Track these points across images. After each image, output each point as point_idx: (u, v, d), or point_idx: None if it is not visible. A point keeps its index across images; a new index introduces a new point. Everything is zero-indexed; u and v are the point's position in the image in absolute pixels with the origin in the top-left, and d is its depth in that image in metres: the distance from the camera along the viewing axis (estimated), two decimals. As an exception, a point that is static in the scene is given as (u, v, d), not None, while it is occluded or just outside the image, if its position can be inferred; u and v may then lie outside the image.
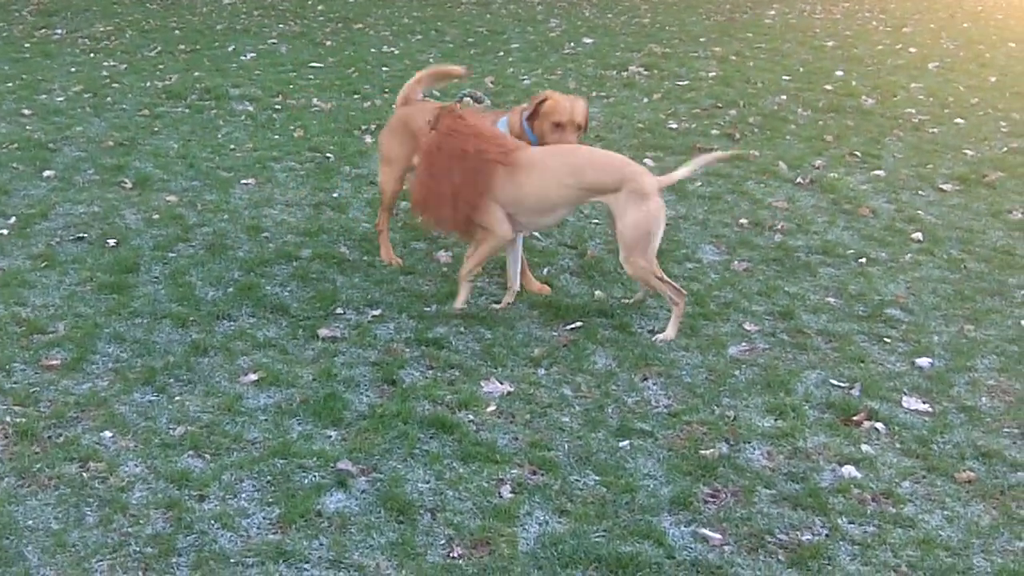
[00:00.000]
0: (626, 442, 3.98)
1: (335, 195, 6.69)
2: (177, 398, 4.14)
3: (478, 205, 4.83)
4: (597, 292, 5.33)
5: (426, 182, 4.96)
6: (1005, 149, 8.22)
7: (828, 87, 10.32)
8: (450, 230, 5.22)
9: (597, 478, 3.74)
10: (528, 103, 5.25)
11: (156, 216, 6.14)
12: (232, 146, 7.65)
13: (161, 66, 10.28)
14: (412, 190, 5.17)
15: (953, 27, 14.54)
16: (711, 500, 3.66)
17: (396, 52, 11.40)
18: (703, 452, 3.92)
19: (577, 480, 3.73)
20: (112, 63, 10.37)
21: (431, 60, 10.95)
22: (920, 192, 7.18)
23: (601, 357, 4.67)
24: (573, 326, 4.94)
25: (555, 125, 5.08)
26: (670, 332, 4.87)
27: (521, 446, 3.92)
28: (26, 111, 8.40)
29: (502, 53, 11.59)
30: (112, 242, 5.71)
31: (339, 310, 5.00)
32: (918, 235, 6.34)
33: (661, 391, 4.40)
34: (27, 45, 11.24)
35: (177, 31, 12.19)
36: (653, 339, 4.82)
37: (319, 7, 14.26)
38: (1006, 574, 3.32)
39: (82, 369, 4.33)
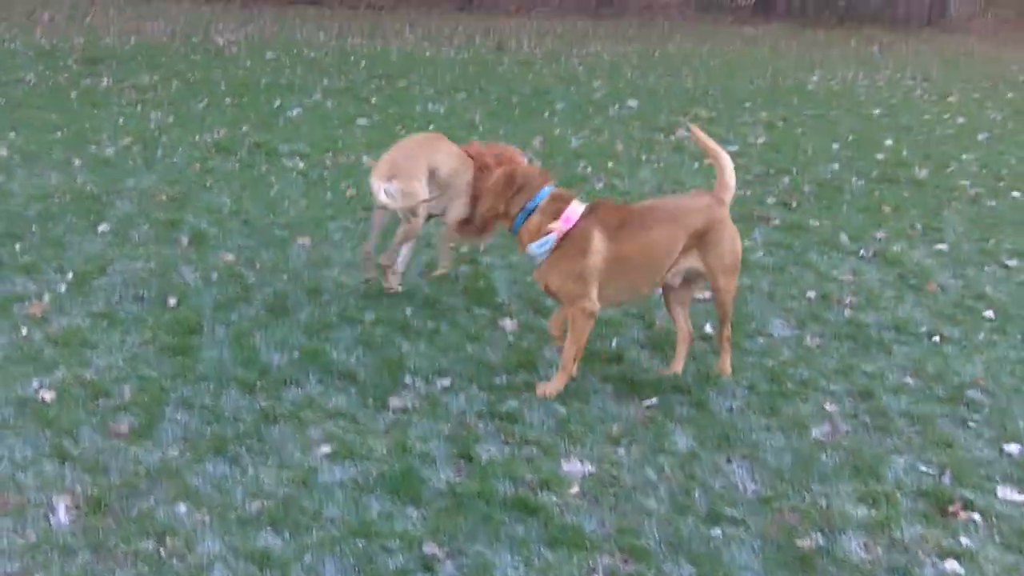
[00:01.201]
0: (717, 530, 3.82)
1: (393, 257, 6.57)
2: (251, 470, 4.01)
3: None
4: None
5: None
6: (1068, 225, 8.09)
7: (879, 156, 10.22)
8: None
9: (692, 569, 3.58)
10: None
11: (215, 275, 6.04)
12: (285, 203, 7.58)
13: (208, 119, 10.26)
14: None
15: (997, 97, 14.46)
16: (812, 596, 3.49)
17: (442, 111, 11.37)
18: (798, 542, 3.76)
19: (672, 570, 3.57)
20: (159, 114, 10.36)
21: (477, 119, 10.92)
22: (986, 268, 7.03)
23: (681, 436, 4.52)
24: (649, 402, 4.79)
25: None
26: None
27: (609, 531, 3.77)
28: (76, 161, 8.36)
29: (547, 114, 11.55)
30: (172, 301, 5.60)
31: (407, 379, 4.87)
32: (989, 313, 6.18)
33: (747, 474, 4.25)
34: (73, 94, 11.25)
35: (222, 84, 12.20)
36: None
37: (362, 63, 14.28)
38: None
39: (151, 436, 4.21)
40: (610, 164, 9.24)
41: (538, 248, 4.80)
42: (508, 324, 5.60)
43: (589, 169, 9.02)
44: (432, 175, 5.82)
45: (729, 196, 5.10)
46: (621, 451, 4.36)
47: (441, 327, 5.49)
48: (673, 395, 4.89)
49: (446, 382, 4.86)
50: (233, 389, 4.65)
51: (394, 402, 4.63)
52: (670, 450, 4.39)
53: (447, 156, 5.95)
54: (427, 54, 15.44)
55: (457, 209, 6.00)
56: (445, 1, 21.92)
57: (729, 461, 4.34)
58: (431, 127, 10.38)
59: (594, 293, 4.79)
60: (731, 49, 17.84)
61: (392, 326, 5.46)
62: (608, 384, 4.96)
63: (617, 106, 12.14)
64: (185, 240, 6.62)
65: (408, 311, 5.68)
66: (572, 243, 4.76)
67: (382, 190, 5.62)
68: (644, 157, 9.67)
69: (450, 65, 14.56)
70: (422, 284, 6.15)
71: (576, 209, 4.81)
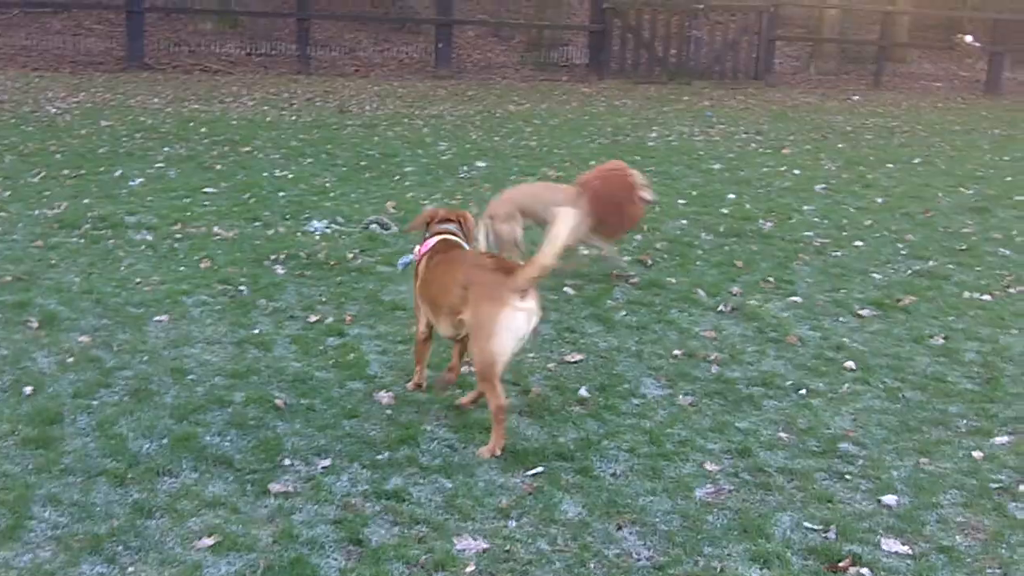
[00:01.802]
0: (617, 601, 3.80)
1: (256, 331, 6.41)
2: (130, 569, 3.80)
3: None
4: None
5: None
6: (909, 272, 8.42)
7: (724, 211, 10.49)
8: None
9: (598, 645, 3.54)
10: None
11: (71, 359, 5.77)
12: (138, 279, 7.31)
13: (47, 192, 9.86)
14: None
15: (828, 147, 15.06)
16: (719, 664, 3.49)
17: (290, 176, 11.20)
18: (698, 609, 3.76)
19: (578, 648, 3.52)
20: (-7, 189, 9.91)
21: (328, 184, 10.80)
22: (840, 318, 7.26)
23: (570, 505, 4.49)
24: (534, 472, 4.75)
25: None
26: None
27: (512, 611, 3.70)
28: (-93, 242, 7.92)
29: (398, 177, 11.50)
30: (28, 390, 5.32)
31: (286, 460, 4.73)
32: (850, 364, 6.37)
33: (639, 541, 4.24)
34: (-103, 169, 10.67)
35: (58, 155, 11.75)
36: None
37: (202, 129, 13.98)
38: None
39: (19, 537, 3.96)
40: (466, 227, 9.24)
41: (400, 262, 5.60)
42: (384, 397, 5.50)
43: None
44: (530, 217, 7.49)
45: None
46: (512, 524, 4.31)
47: (315, 404, 5.35)
48: (557, 463, 4.86)
49: (326, 462, 4.73)
50: (103, 482, 4.42)
51: (275, 487, 4.47)
52: (560, 520, 4.36)
53: (542, 198, 7.51)
54: (268, 119, 15.21)
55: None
56: (282, 64, 21.70)
57: (620, 528, 4.33)
58: (281, 194, 10.22)
59: (422, 318, 5.40)
60: (570, 108, 18.14)
61: (264, 406, 5.30)
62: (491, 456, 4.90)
63: (466, 168, 12.17)
64: (35, 323, 6.32)
65: (279, 389, 5.53)
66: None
67: (481, 231, 7.06)
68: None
69: (293, 129, 14.38)
70: (288, 359, 5.98)
71: (430, 242, 5.46)
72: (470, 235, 5.72)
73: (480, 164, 12.46)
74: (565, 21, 25.04)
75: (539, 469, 4.78)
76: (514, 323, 4.83)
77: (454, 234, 5.54)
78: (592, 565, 4.03)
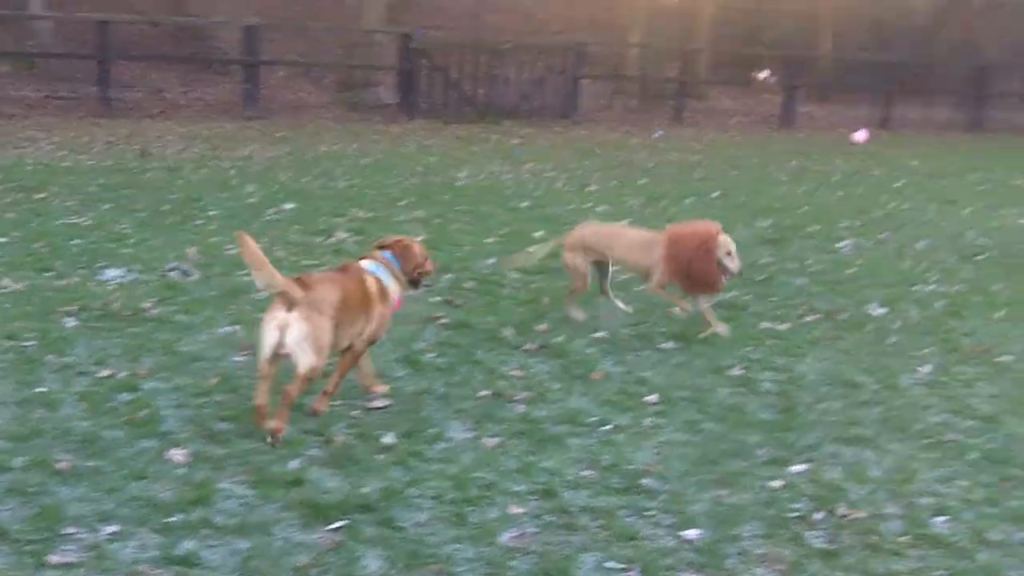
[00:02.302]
0: (418, 658, 3.69)
1: (42, 389, 6.07)
2: None
3: None
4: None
5: None
6: (710, 303, 8.60)
7: (531, 249, 10.54)
8: None
9: None
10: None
11: None
12: (-87, 339, 6.85)
13: None
14: None
15: (632, 183, 15.39)
16: None
17: (86, 223, 10.75)
18: (501, 660, 3.69)
19: None
20: None
21: (126, 230, 10.41)
22: (643, 352, 7.36)
23: (373, 559, 4.37)
24: (335, 526, 4.61)
25: None
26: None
27: (307, 677, 3.55)
28: None
29: (201, 221, 11.18)
30: None
31: (69, 529, 4.45)
32: (653, 398, 6.45)
33: (442, 593, 4.15)
34: None
35: None
36: None
37: (-8, 175, 13.33)
38: None
39: None
40: (271, 272, 9.01)
41: None
42: (177, 455, 5.26)
43: (251, 278, 8.73)
44: (596, 253, 8.01)
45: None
46: (312, 584, 4.16)
47: (102, 466, 5.08)
48: (360, 515, 4.73)
49: (113, 528, 4.48)
50: None
51: (54, 558, 4.21)
52: (362, 576, 4.24)
53: (606, 236, 8.12)
54: (66, 163, 14.62)
55: (656, 276, 7.79)
56: (83, 107, 20.94)
57: (423, 580, 4.24)
58: (76, 242, 9.79)
59: None
60: (380, 148, 18.07)
61: (46, 470, 4.99)
62: (290, 511, 4.73)
63: (273, 210, 11.93)
64: None
65: (64, 451, 5.23)
66: None
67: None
68: (304, 262, 9.51)
69: (92, 174, 13.84)
70: (75, 418, 5.68)
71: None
72: (406, 262, 6.13)
73: (288, 206, 12.23)
74: (375, 61, 24.97)
75: (341, 523, 4.64)
76: (262, 330, 5.41)
77: (383, 260, 6.07)
78: (393, 621, 3.92)
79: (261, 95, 22.38)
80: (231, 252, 9.68)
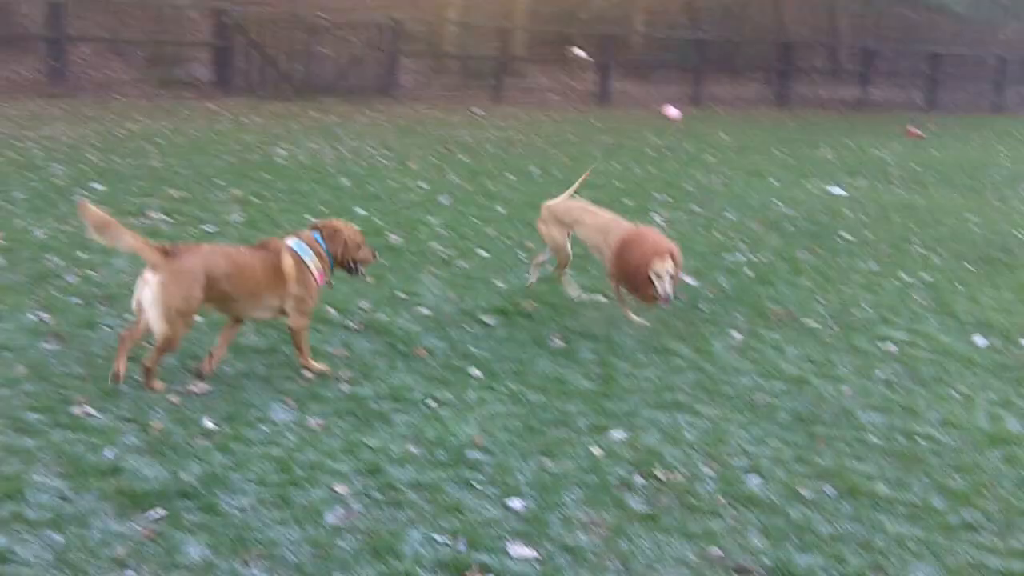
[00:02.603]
0: (245, 642, 3.65)
1: None
2: None
3: None
4: None
5: None
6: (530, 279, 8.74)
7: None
8: None
9: None
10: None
11: None
12: None
13: None
14: None
15: (452, 160, 15.43)
16: None
17: None
18: (329, 639, 3.68)
19: None
20: None
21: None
22: (466, 327, 7.42)
23: (194, 546, 4.29)
24: (155, 514, 4.51)
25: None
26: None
27: (129, 668, 3.48)
28: None
29: (3, 202, 10.69)
30: None
31: None
32: (476, 372, 6.52)
33: None
34: None
35: None
36: None
37: None
38: None
39: None
40: (82, 255, 8.69)
41: None
42: (-18, 448, 5.05)
43: (60, 262, 8.41)
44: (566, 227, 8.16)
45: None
46: (130, 574, 4.06)
47: (-98, 462, 4.83)
48: (180, 502, 4.64)
49: (-83, 527, 4.28)
50: None
51: None
52: (183, 564, 4.15)
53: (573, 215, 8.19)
54: None
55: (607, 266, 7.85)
56: None
57: (247, 564, 4.18)
58: None
59: None
60: (195, 126, 17.59)
61: None
62: (107, 501, 4.60)
63: (82, 191, 11.49)
64: None
65: None
66: None
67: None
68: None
69: None
70: None
71: None
72: (332, 243, 6.34)
73: (97, 186, 11.81)
74: (187, 37, 24.27)
75: (160, 511, 4.54)
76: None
77: (308, 238, 6.30)
78: (218, 606, 3.86)
79: (68, 72, 21.50)
80: (39, 235, 9.32)
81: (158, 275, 5.59)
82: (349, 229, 6.49)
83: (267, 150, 15.44)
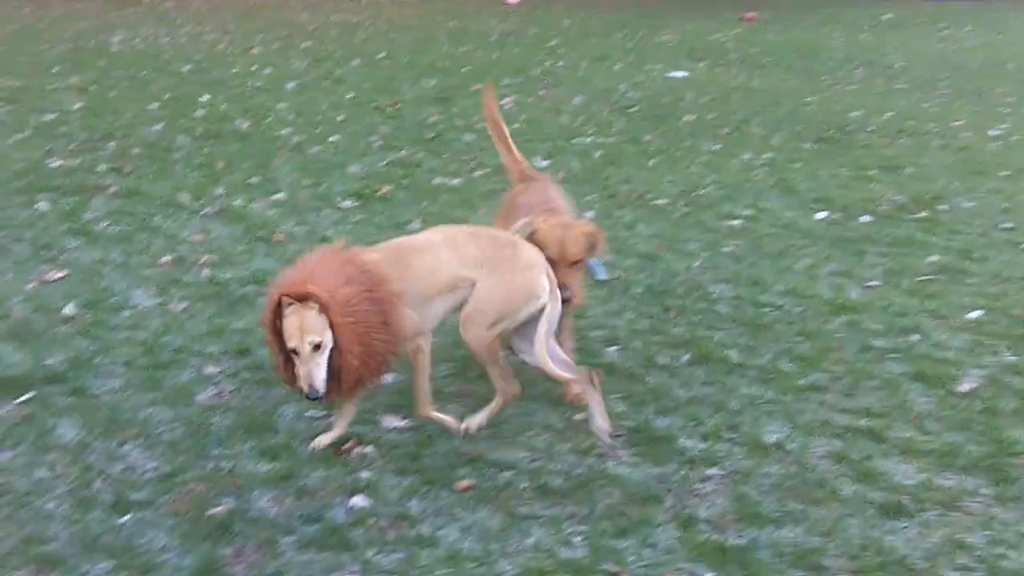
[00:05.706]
0: (127, 517, 3.71)
1: None
2: None
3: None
4: None
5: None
6: (385, 163, 8.76)
7: (199, 113, 10.29)
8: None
9: (110, 563, 3.45)
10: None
11: None
12: None
13: None
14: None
15: (295, 47, 15.14)
16: (238, 560, 3.53)
17: None
18: (211, 511, 3.77)
19: (89, 569, 3.41)
20: None
21: None
22: (323, 212, 7.42)
23: (67, 428, 4.30)
24: (23, 399, 4.48)
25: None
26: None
27: (15, 544, 3.50)
28: None
29: None
30: None
31: None
32: (336, 255, 6.55)
33: (144, 454, 4.16)
34: None
35: None
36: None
37: None
38: (532, 574, 3.56)
39: None
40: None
41: None
42: None
43: None
44: None
45: None
46: (7, 456, 4.05)
47: None
48: (48, 387, 4.62)
49: None
50: None
51: None
52: (57, 445, 4.16)
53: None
54: None
55: None
56: None
57: (122, 444, 4.21)
58: None
59: None
60: (24, 13, 16.81)
61: None
62: (-28, 388, 4.56)
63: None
64: None
65: None
66: None
67: None
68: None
69: None
70: None
71: None
72: None
73: (-79, 75, 11.26)
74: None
75: (28, 395, 4.51)
76: None
77: None
78: (97, 485, 3.90)
79: None
80: None
81: None
82: None
83: (102, 37, 14.88)
